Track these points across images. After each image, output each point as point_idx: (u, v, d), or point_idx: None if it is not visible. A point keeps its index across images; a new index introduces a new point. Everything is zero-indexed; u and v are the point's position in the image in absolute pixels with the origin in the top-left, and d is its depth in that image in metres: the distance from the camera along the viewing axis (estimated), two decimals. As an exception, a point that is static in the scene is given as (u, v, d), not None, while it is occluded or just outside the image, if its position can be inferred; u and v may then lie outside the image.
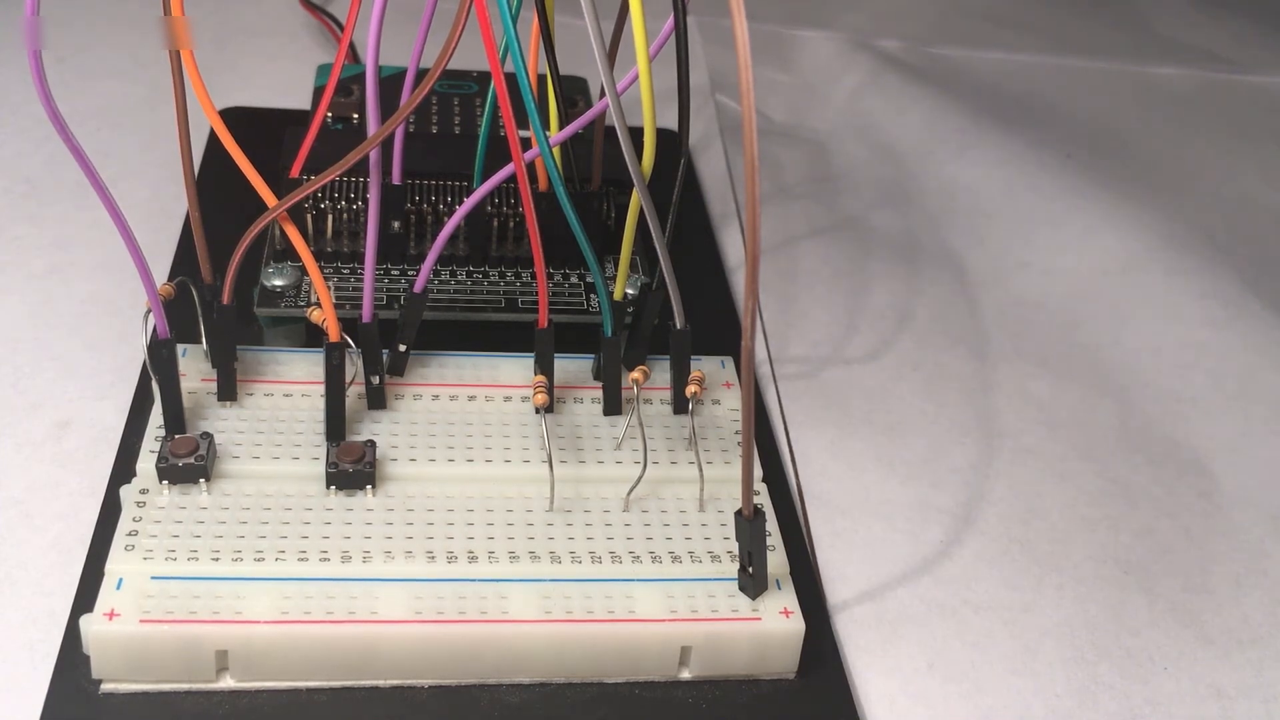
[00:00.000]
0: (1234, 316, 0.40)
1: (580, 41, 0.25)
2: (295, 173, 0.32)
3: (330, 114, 0.38)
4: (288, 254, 0.33)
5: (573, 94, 0.41)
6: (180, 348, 0.28)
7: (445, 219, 0.33)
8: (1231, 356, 0.39)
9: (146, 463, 0.26)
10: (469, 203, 0.28)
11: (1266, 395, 0.37)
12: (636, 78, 0.24)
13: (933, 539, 0.30)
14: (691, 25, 0.25)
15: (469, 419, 0.29)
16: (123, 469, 0.27)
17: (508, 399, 0.30)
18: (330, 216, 0.34)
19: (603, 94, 0.24)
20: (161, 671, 0.23)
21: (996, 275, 0.42)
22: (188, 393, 0.28)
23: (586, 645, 0.24)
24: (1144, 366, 0.38)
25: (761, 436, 0.32)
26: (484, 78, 0.42)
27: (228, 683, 0.24)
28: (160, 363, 0.26)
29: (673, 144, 0.26)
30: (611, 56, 0.28)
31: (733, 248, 0.40)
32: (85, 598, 0.24)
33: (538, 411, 0.29)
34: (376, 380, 0.28)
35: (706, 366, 0.31)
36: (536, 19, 0.28)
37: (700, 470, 0.28)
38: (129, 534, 0.25)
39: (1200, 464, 0.34)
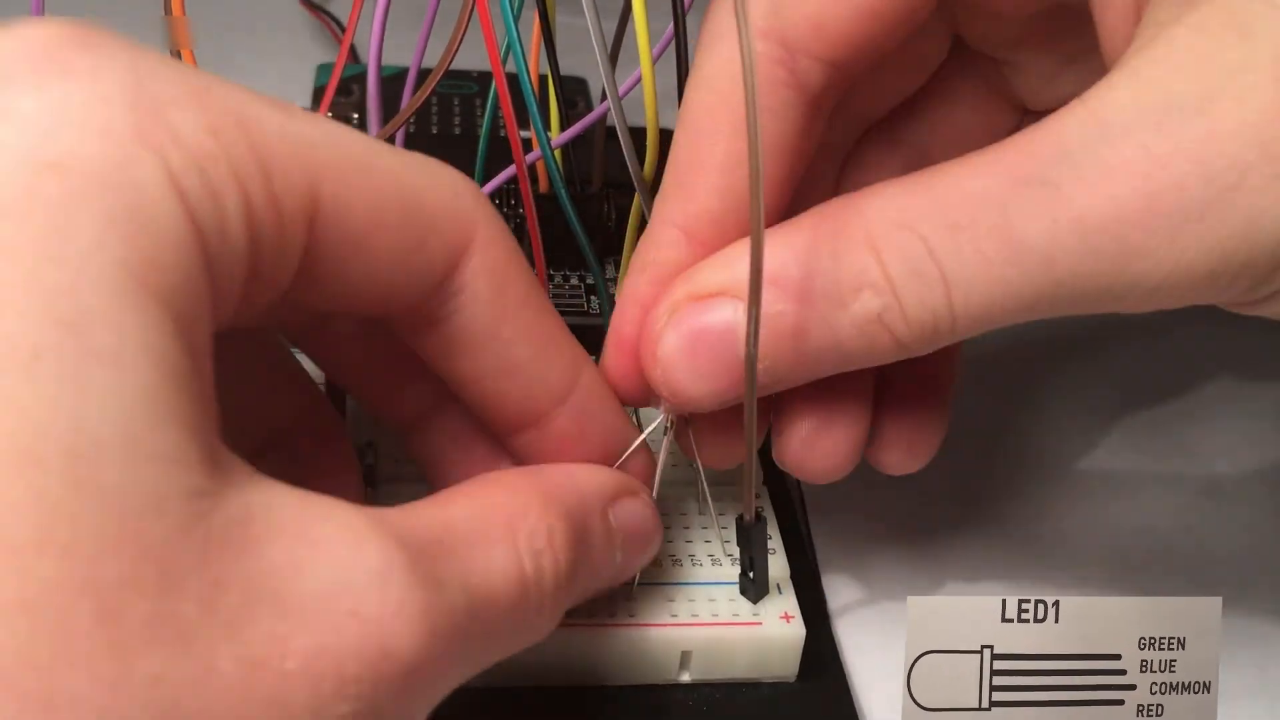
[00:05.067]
0: (1235, 314, 0.40)
1: (580, 41, 0.25)
2: (295, 173, 0.31)
3: (330, 114, 0.38)
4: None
5: (572, 95, 0.41)
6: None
7: (445, 220, 0.33)
8: (1232, 355, 0.39)
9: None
10: (470, 204, 0.27)
11: (1267, 394, 0.37)
12: (639, 80, 0.24)
13: (934, 541, 0.30)
14: (692, 27, 0.25)
15: (469, 421, 0.29)
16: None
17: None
18: (330, 217, 0.34)
19: (604, 95, 0.24)
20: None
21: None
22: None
23: (587, 648, 0.24)
24: (1144, 365, 0.38)
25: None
26: (484, 78, 0.42)
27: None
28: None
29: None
30: (613, 57, 0.28)
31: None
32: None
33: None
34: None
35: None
36: (538, 19, 0.28)
37: (701, 474, 0.27)
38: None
39: (1200, 463, 0.34)
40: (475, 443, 0.23)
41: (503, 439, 0.22)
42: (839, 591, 0.28)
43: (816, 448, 0.24)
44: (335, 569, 0.15)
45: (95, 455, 0.13)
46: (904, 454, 0.25)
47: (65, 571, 0.13)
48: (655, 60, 0.24)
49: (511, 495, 0.19)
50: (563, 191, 0.25)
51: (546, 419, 0.22)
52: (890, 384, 0.25)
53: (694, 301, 0.21)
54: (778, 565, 0.26)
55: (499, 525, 0.19)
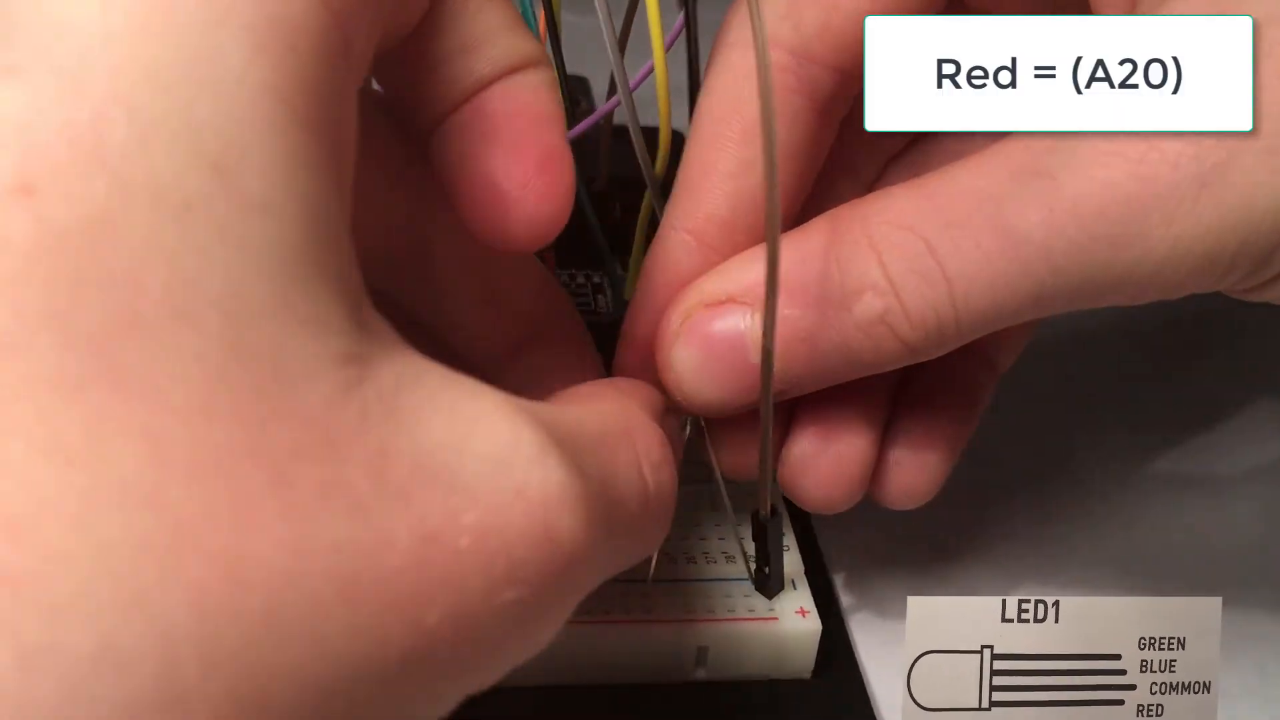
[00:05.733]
0: (1235, 309, 0.40)
1: (581, 40, 0.25)
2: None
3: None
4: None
5: (574, 94, 0.41)
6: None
7: (451, 219, 0.33)
8: (1232, 354, 0.39)
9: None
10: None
11: (1268, 394, 0.37)
12: (647, 74, 0.24)
13: (945, 538, 0.30)
14: (703, 21, 0.25)
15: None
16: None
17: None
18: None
19: (608, 93, 0.24)
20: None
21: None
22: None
23: (602, 646, 0.24)
24: (1144, 365, 0.38)
25: (773, 435, 0.32)
26: (486, 78, 0.42)
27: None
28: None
29: (682, 145, 0.26)
30: (621, 53, 0.27)
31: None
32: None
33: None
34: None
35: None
36: (543, 16, 0.28)
37: (717, 469, 0.27)
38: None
39: (1200, 463, 0.34)
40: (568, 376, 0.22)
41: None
42: (853, 587, 0.28)
43: (815, 474, 0.24)
44: (497, 446, 0.14)
45: (250, 317, 0.12)
46: (899, 494, 0.25)
47: (232, 437, 0.12)
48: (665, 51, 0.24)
49: (620, 406, 0.19)
50: (583, 190, 0.25)
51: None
52: (905, 413, 0.25)
53: (705, 309, 0.21)
54: (792, 561, 0.26)
55: (618, 434, 0.18)
